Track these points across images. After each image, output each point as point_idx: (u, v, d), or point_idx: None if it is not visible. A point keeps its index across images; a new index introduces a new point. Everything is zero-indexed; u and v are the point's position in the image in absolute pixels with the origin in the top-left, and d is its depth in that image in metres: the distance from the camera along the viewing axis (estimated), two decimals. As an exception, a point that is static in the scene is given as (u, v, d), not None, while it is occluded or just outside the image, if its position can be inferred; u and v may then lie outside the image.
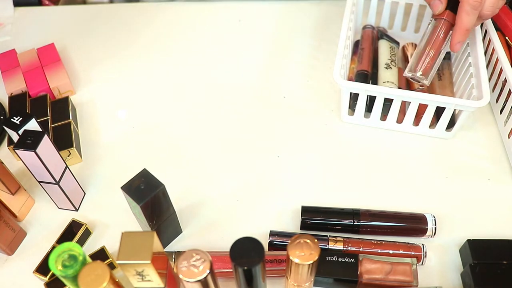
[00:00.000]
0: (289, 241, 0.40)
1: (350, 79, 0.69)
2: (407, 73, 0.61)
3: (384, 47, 0.71)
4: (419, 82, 0.61)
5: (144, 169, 0.50)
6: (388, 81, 0.66)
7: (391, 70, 0.67)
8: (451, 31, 0.60)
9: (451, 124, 0.62)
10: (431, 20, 0.61)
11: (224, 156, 0.64)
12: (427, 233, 0.54)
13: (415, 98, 0.59)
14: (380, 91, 0.60)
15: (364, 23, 0.77)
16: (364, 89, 0.60)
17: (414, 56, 0.61)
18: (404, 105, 0.64)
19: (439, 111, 0.61)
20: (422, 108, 0.62)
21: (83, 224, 0.56)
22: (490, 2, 0.57)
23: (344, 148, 0.64)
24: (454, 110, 0.61)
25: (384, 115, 0.64)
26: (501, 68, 0.63)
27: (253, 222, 0.57)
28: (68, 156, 0.63)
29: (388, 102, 0.62)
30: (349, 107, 0.66)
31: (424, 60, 0.59)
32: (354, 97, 0.64)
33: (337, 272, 0.49)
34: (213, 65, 0.77)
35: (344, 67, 0.64)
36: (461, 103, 0.58)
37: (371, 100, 0.63)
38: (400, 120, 0.64)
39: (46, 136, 0.51)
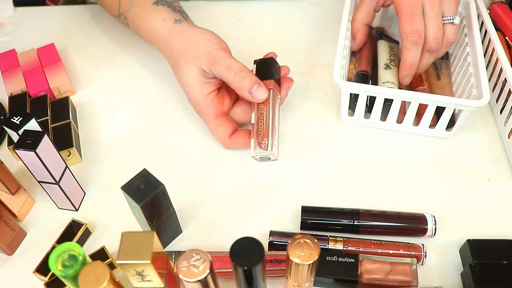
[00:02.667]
0: (289, 241, 0.40)
1: (349, 79, 0.69)
2: (258, 153, 0.56)
3: (383, 47, 0.71)
4: (269, 158, 0.57)
5: (144, 169, 0.50)
6: (388, 81, 0.66)
7: (390, 70, 0.67)
8: (278, 96, 0.60)
9: (451, 124, 0.62)
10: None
11: (224, 156, 0.64)
12: (427, 233, 0.54)
13: (415, 98, 0.59)
14: (380, 92, 0.60)
15: (364, 23, 0.77)
16: (364, 90, 0.60)
17: (256, 135, 0.57)
18: (404, 105, 0.63)
19: (439, 111, 0.61)
20: (422, 108, 0.62)
21: (83, 224, 0.56)
22: (433, 35, 0.58)
23: (344, 149, 0.64)
24: (454, 110, 0.61)
25: (384, 115, 0.64)
26: (501, 68, 0.63)
27: (253, 222, 0.57)
28: (68, 156, 0.63)
29: (388, 103, 0.62)
30: (349, 108, 0.66)
31: (272, 134, 0.56)
32: (354, 98, 0.64)
33: (337, 272, 0.49)
34: (213, 65, 0.77)
35: (343, 68, 0.64)
36: (461, 102, 0.58)
37: (371, 100, 0.63)
38: (400, 120, 0.64)
39: (46, 136, 0.51)
